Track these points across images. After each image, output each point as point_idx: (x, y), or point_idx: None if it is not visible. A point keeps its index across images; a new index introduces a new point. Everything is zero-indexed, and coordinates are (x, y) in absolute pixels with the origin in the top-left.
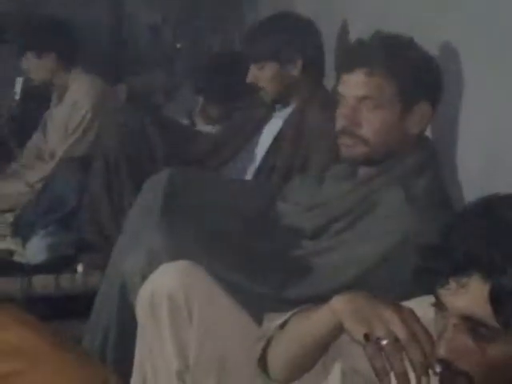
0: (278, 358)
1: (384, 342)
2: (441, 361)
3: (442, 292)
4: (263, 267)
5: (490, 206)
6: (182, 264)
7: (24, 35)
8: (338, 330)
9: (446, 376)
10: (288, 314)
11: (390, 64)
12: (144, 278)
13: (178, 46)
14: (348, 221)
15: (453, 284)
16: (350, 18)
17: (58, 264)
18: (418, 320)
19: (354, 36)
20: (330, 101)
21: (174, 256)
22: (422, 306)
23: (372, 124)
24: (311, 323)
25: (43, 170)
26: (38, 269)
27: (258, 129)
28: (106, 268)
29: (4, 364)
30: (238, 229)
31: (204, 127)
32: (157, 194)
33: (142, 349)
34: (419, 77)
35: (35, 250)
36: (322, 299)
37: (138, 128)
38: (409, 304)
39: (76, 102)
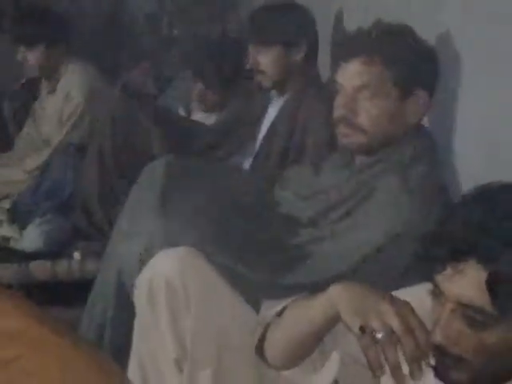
0: (276, 345)
1: (379, 335)
2: (437, 347)
3: (440, 278)
4: (261, 254)
5: (488, 193)
6: (180, 250)
7: (14, 26)
8: (335, 319)
9: (441, 363)
10: (285, 302)
11: (387, 53)
12: (142, 263)
13: (175, 32)
14: (345, 209)
15: (450, 270)
16: (346, 8)
17: (54, 251)
18: (413, 312)
19: (349, 26)
20: (326, 90)
21: (172, 242)
22: (418, 295)
23: (369, 113)
24: (308, 312)
25: (40, 157)
26: (35, 255)
27: (259, 118)
28: (103, 254)
29: (5, 350)
30: (235, 216)
31: (200, 116)
32: (155, 180)
33: (140, 335)
34: (416, 65)
35: (32, 236)
36: (319, 287)
37: (132, 117)
38: (405, 292)
39: (69, 93)
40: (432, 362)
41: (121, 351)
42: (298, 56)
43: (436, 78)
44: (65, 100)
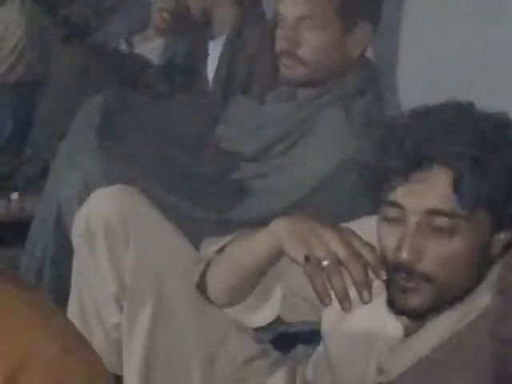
0: (218, 281)
1: (324, 263)
2: (402, 265)
3: (401, 194)
4: (203, 190)
5: (445, 104)
6: (118, 188)
7: None
8: (278, 252)
9: (404, 283)
10: (227, 238)
11: None
12: (80, 202)
13: None
14: (288, 143)
15: (414, 183)
16: None
17: None
18: (358, 237)
19: None
20: (268, 21)
21: (111, 180)
22: (364, 226)
23: (312, 44)
24: (251, 246)
25: None
26: None
27: (203, 55)
28: (42, 194)
29: None
30: (176, 152)
31: (143, 47)
32: (93, 117)
33: (79, 275)
34: None
35: None
36: (262, 222)
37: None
38: (351, 225)
39: (7, 30)
40: (384, 276)
41: (61, 292)
42: None
43: (380, 10)
44: (3, 38)
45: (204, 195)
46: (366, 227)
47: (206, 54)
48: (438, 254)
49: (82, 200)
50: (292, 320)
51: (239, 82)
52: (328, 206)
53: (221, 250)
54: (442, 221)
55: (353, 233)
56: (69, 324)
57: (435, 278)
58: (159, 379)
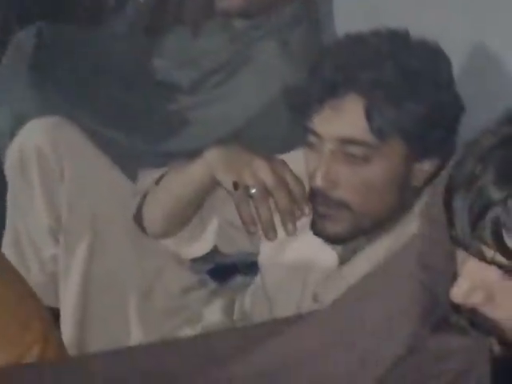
0: (155, 213)
1: (252, 190)
2: (317, 195)
3: (317, 121)
4: (139, 122)
5: (361, 35)
6: (51, 119)
7: None
8: (212, 181)
9: (322, 210)
10: (163, 169)
11: None
12: (13, 136)
13: None
14: (224, 75)
15: (327, 109)
16: None
17: None
18: (287, 168)
19: None
20: None
21: (44, 113)
22: (294, 159)
23: None
24: (186, 176)
25: None
26: None
27: None
28: None
29: None
30: (112, 84)
31: None
32: (25, 48)
33: (14, 208)
34: None
35: None
36: (199, 153)
37: None
38: (284, 157)
39: None
40: (307, 210)
41: None
42: None
43: None
44: None
45: (140, 127)
46: (300, 159)
47: None
48: (352, 182)
49: (14, 135)
50: (229, 251)
51: (172, 13)
52: (264, 136)
53: (157, 181)
54: (355, 149)
55: (283, 163)
56: None
57: (351, 204)
58: (96, 311)
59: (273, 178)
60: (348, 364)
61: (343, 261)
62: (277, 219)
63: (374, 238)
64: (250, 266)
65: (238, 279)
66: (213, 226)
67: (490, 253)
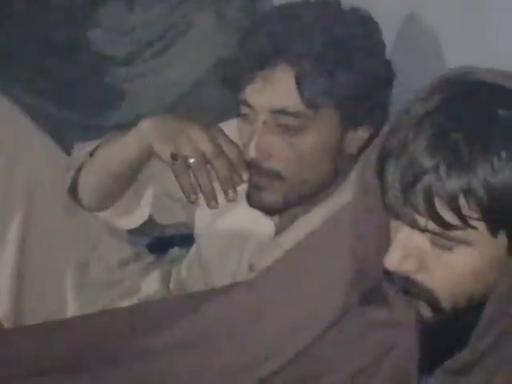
0: (89, 185)
1: (191, 160)
2: (251, 165)
3: (250, 93)
4: (74, 94)
5: (291, 5)
6: None
7: None
8: (147, 152)
9: (256, 180)
10: (97, 141)
11: None
12: None
13: None
14: (160, 46)
15: (260, 81)
16: None
17: None
18: (224, 135)
19: None
20: None
21: None
22: (230, 128)
23: None
24: (120, 148)
25: None
26: None
27: None
28: None
29: None
30: (47, 56)
31: None
32: None
33: None
34: None
35: None
36: (134, 125)
37: None
38: (222, 126)
39: None
40: (245, 176)
41: None
42: None
43: None
44: None
45: (76, 100)
46: (235, 128)
47: None
48: (285, 152)
49: None
50: (165, 222)
51: None
52: (200, 107)
53: (91, 153)
54: (287, 119)
55: (220, 131)
56: None
57: (285, 175)
58: (31, 284)
59: (210, 146)
60: (277, 332)
61: (279, 230)
62: (217, 186)
63: (310, 208)
64: (187, 239)
65: (175, 251)
66: (148, 196)
67: (422, 221)
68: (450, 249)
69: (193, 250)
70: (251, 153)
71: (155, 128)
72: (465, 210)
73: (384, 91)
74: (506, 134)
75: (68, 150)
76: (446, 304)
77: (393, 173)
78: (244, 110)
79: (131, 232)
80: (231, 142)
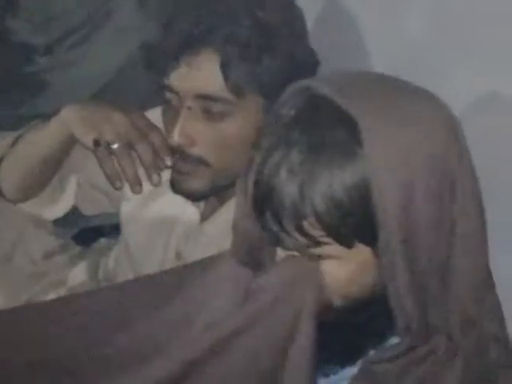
0: (12, 176)
1: (114, 146)
2: (175, 150)
3: (174, 79)
4: None
5: None
6: None
7: None
8: (69, 140)
9: (180, 166)
10: (19, 131)
11: None
12: None
13: None
14: (82, 34)
15: (184, 67)
16: None
17: None
18: (147, 120)
19: None
20: None
21: None
22: (155, 115)
23: None
24: (42, 136)
25: None
26: None
27: None
28: None
29: None
30: None
31: None
32: None
33: None
34: None
35: None
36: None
37: None
38: (146, 113)
39: None
40: (169, 162)
41: None
42: None
43: None
44: None
45: None
46: (159, 115)
47: None
48: (209, 138)
49: None
50: (91, 212)
51: None
52: (123, 95)
53: (13, 143)
54: (212, 105)
55: (143, 117)
56: None
57: (209, 161)
58: None
59: (133, 131)
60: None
61: (204, 218)
62: (141, 172)
63: (234, 194)
64: (113, 229)
65: (103, 242)
66: (72, 185)
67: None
68: (319, 261)
69: (120, 238)
70: (176, 138)
71: (77, 114)
72: (311, 231)
73: (308, 77)
74: (336, 152)
75: None
76: (337, 303)
77: (250, 187)
78: (168, 95)
79: (57, 224)
80: (154, 126)
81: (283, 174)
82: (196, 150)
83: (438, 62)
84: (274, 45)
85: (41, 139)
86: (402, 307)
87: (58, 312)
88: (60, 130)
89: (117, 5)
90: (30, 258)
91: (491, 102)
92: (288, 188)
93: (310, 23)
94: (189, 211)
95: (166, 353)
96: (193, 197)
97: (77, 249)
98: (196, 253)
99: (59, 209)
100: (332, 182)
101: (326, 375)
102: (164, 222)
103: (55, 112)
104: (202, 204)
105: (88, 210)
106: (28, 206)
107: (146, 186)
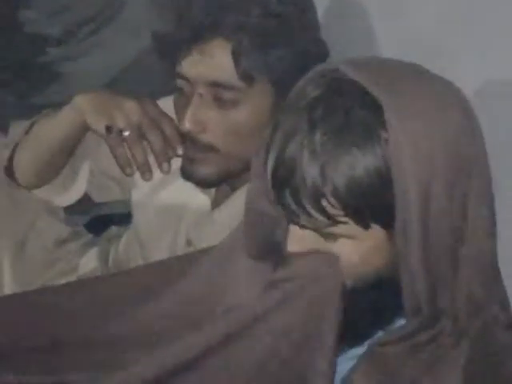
0: (26, 162)
1: (125, 133)
2: (186, 138)
3: (186, 66)
4: (9, 75)
5: None
6: None
7: None
8: (81, 127)
9: (190, 153)
10: (33, 119)
11: None
12: None
13: None
14: (96, 25)
15: (196, 54)
16: None
17: None
18: (158, 109)
19: None
20: None
21: None
22: (167, 104)
23: None
24: (55, 123)
25: None
26: None
27: None
28: None
29: None
30: None
31: None
32: None
33: None
34: None
35: None
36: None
37: None
38: (159, 102)
39: None
40: (180, 151)
41: None
42: None
43: None
44: None
45: (11, 80)
46: (172, 104)
47: None
48: (220, 125)
49: None
50: (101, 199)
51: None
52: (137, 85)
53: (27, 130)
54: (222, 93)
55: (155, 105)
56: None
57: (220, 148)
58: None
59: (144, 119)
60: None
61: (215, 205)
62: (152, 160)
63: (245, 183)
64: (124, 217)
65: (113, 230)
66: (84, 172)
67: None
68: (334, 240)
69: (130, 226)
70: (186, 125)
71: (89, 102)
72: (330, 211)
73: None
74: (360, 134)
75: (4, 130)
76: (347, 283)
77: (269, 167)
78: (180, 83)
79: (69, 212)
80: (165, 115)
81: (306, 154)
82: (206, 137)
83: (446, 49)
84: (286, 35)
85: (54, 126)
86: (413, 289)
87: (70, 295)
88: (73, 117)
89: None
90: (42, 245)
91: (499, 88)
92: (310, 168)
93: (319, 12)
94: (199, 199)
95: (182, 336)
96: (203, 184)
97: (88, 236)
98: (207, 240)
99: (71, 195)
100: (354, 163)
101: None
102: (174, 210)
103: (68, 101)
104: (212, 192)
105: (99, 197)
106: (41, 193)
107: (157, 174)
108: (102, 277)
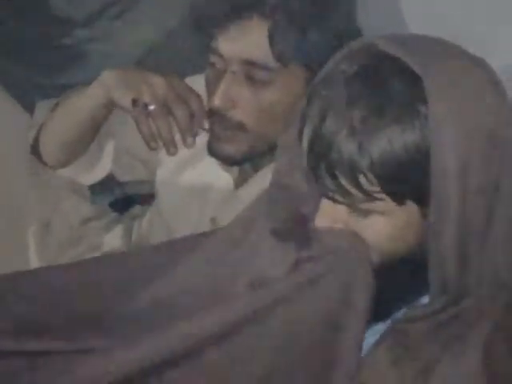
0: (52, 141)
1: (151, 107)
2: (215, 114)
3: (221, 42)
4: (35, 55)
5: None
6: None
7: None
8: (108, 104)
9: (219, 131)
10: (58, 99)
11: None
12: None
13: None
14: (122, 6)
15: (233, 31)
16: None
17: None
18: (184, 84)
19: None
20: None
21: None
22: (197, 81)
23: None
24: (82, 100)
25: None
26: None
27: None
28: None
29: None
30: (7, 19)
31: None
32: None
33: None
34: None
35: None
36: None
37: None
38: (187, 80)
39: None
40: (206, 125)
41: None
42: None
43: None
44: None
45: (37, 60)
46: (202, 82)
47: None
48: (250, 104)
49: None
50: (126, 179)
51: None
52: (168, 63)
53: (53, 108)
54: (256, 71)
55: (181, 80)
56: None
57: (248, 126)
58: None
59: (170, 94)
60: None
61: (239, 184)
62: (178, 138)
63: (268, 162)
64: (148, 198)
65: (137, 209)
66: (109, 151)
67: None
68: (365, 215)
69: (154, 204)
70: (216, 101)
71: (116, 77)
72: (367, 186)
73: None
74: (399, 109)
75: (31, 111)
76: (375, 259)
77: (305, 142)
78: (213, 58)
79: (93, 191)
80: (192, 90)
81: (344, 130)
82: (236, 114)
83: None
84: (324, 19)
85: (80, 103)
86: (442, 268)
87: (95, 269)
88: (99, 94)
89: None
90: (67, 224)
91: None
92: (348, 144)
93: None
94: (223, 178)
95: (205, 310)
96: (228, 161)
97: (112, 215)
98: (231, 218)
99: (97, 174)
100: (392, 139)
101: None
102: (198, 188)
103: (94, 79)
104: (236, 171)
105: (123, 176)
106: (67, 172)
107: (182, 153)
108: (127, 252)
